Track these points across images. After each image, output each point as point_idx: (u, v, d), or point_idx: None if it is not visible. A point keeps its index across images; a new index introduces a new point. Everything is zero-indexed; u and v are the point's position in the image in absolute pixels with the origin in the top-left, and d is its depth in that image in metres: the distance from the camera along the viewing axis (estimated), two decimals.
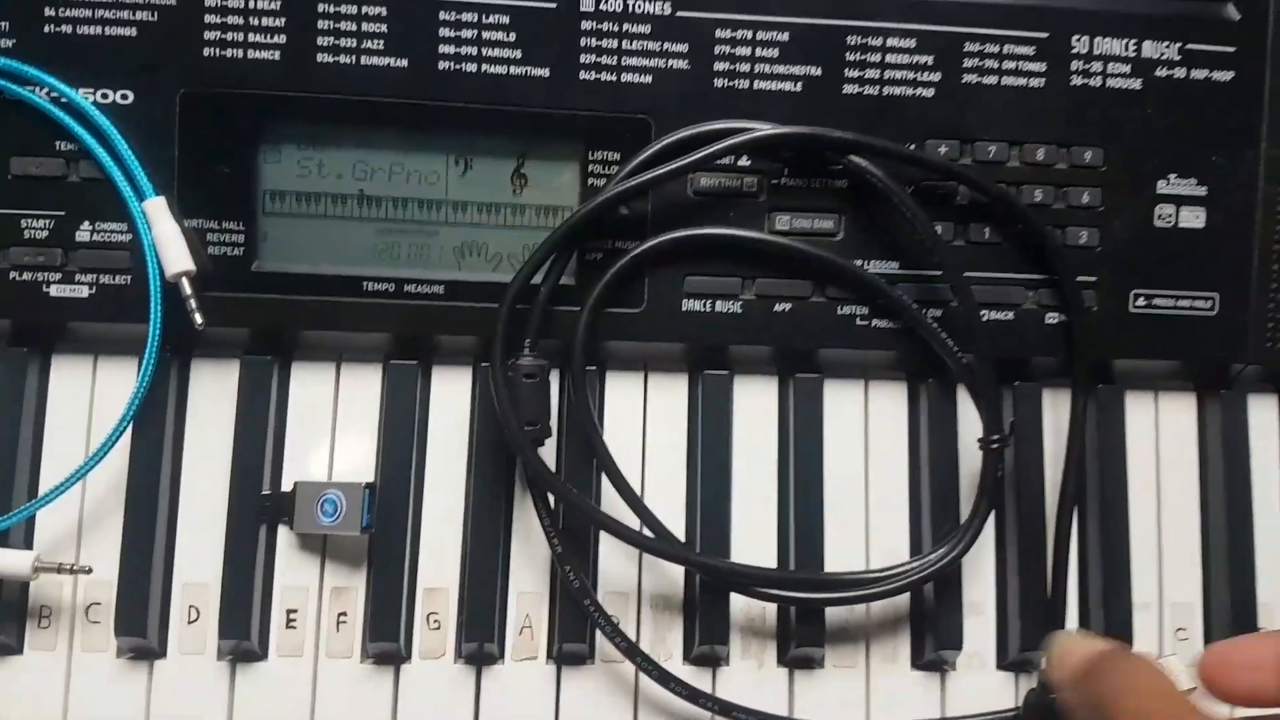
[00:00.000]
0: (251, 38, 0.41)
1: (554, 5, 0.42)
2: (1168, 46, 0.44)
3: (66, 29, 0.40)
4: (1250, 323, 0.44)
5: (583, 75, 0.42)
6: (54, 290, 0.41)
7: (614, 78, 0.42)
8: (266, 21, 0.41)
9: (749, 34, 0.43)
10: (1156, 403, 0.46)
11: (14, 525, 0.41)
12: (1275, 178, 0.44)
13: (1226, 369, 0.45)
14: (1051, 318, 0.44)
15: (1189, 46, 0.44)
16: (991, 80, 0.43)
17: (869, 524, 0.45)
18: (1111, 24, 0.43)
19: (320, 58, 0.41)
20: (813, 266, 0.43)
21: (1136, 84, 0.44)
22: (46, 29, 0.40)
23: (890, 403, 0.46)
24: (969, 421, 0.45)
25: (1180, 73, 0.44)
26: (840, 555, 0.44)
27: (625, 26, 0.42)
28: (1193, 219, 0.44)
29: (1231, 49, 0.44)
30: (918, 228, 0.42)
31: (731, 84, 0.43)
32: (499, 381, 0.41)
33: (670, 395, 0.45)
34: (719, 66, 0.43)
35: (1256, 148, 0.44)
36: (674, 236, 0.43)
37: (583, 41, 0.42)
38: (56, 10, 0.40)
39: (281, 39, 0.41)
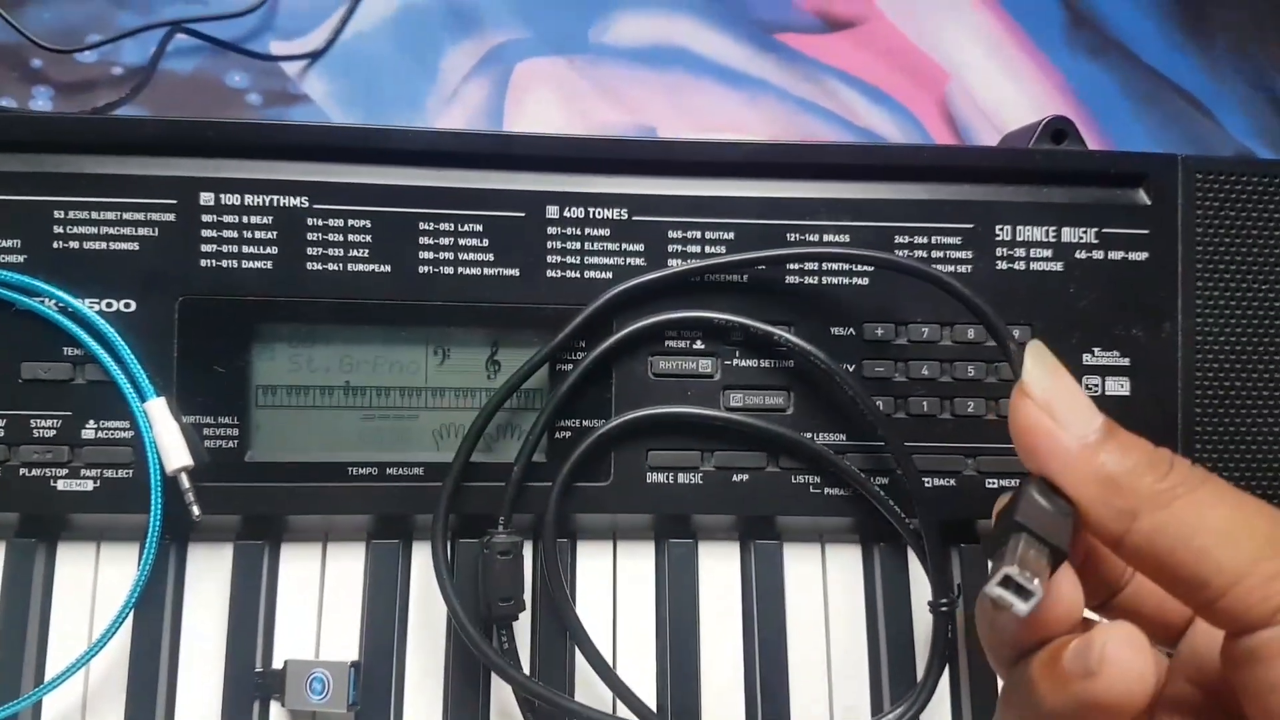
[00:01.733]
0: (245, 249, 0.45)
1: (523, 215, 0.46)
2: (1085, 231, 0.48)
3: (74, 245, 0.44)
4: None
5: (549, 274, 0.46)
6: (61, 485, 0.44)
7: (578, 274, 0.46)
8: (259, 234, 0.45)
9: (698, 234, 0.47)
10: None
11: (21, 710, 0.43)
12: (1192, 347, 0.48)
13: None
14: (991, 483, 0.47)
15: (1105, 230, 0.48)
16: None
17: (831, 684, 0.47)
18: (1032, 213, 0.47)
19: (309, 266, 0.45)
20: (766, 440, 0.47)
21: (1058, 266, 0.48)
22: (55, 245, 0.44)
23: (847, 566, 0.48)
24: (922, 583, 0.47)
25: (1098, 254, 0.48)
26: (805, 715, 0.47)
27: (586, 230, 0.46)
28: (1118, 387, 0.48)
29: (1145, 231, 0.48)
30: (859, 403, 0.46)
31: (685, 277, 0.47)
32: (441, 574, 0.44)
33: (639, 563, 0.48)
34: (672, 262, 0.47)
35: (1174, 320, 0.48)
36: (637, 416, 0.46)
37: (549, 244, 0.46)
38: (64, 228, 0.44)
39: (274, 250, 0.45)
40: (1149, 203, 0.48)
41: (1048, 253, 0.48)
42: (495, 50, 0.62)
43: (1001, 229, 0.47)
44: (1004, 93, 0.65)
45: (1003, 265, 0.47)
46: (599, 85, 0.62)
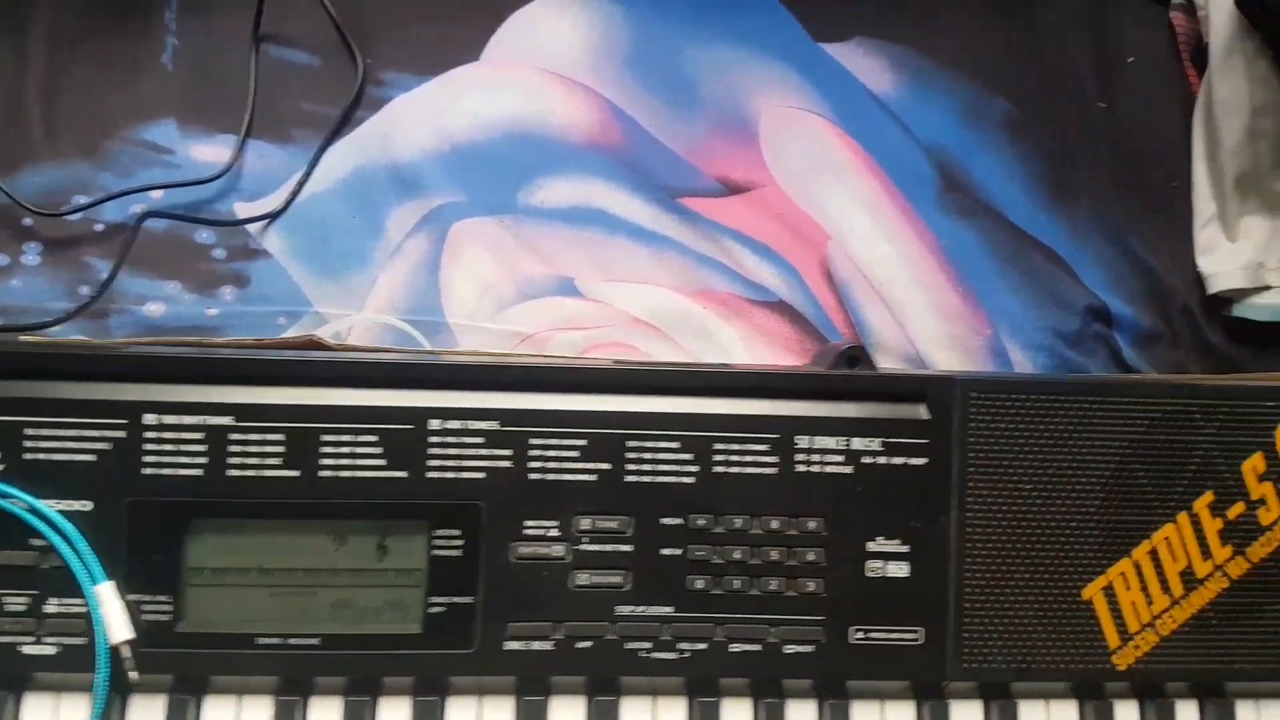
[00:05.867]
0: (181, 459, 0.55)
1: (410, 427, 0.56)
2: (871, 441, 0.58)
3: (41, 455, 0.55)
4: (950, 648, 0.58)
5: (430, 475, 0.56)
6: (27, 649, 0.54)
7: (455, 475, 0.56)
8: (191, 448, 0.55)
9: (556, 441, 0.57)
10: (882, 711, 0.59)
11: None
12: (963, 537, 0.58)
13: (938, 684, 0.58)
14: (789, 648, 0.57)
15: (890, 440, 0.58)
16: (736, 470, 0.57)
17: None
18: (827, 426, 0.58)
19: (231, 473, 0.55)
20: (607, 612, 0.57)
21: (849, 469, 0.58)
22: (25, 456, 0.54)
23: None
24: None
25: (883, 460, 0.58)
26: None
27: (462, 439, 0.57)
28: (898, 570, 0.58)
29: (925, 440, 0.58)
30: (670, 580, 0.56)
31: (544, 477, 0.57)
32: None
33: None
34: (533, 465, 0.57)
35: (948, 514, 0.58)
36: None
37: (430, 451, 0.56)
38: (34, 443, 0.55)
39: (203, 460, 0.55)
40: (928, 417, 0.58)
41: (840, 458, 0.58)
42: (435, 211, 0.72)
43: (801, 438, 0.58)
44: (881, 252, 0.74)
45: (801, 468, 0.58)
46: (525, 242, 0.72)
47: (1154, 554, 0.58)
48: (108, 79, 0.71)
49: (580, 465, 0.57)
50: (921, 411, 0.59)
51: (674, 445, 0.57)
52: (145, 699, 0.56)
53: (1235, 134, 0.72)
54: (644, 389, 0.58)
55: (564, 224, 0.73)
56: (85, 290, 0.68)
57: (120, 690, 0.56)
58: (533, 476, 0.57)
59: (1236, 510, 0.58)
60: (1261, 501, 0.58)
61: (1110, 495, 0.58)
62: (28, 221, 0.69)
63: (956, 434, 0.58)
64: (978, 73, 0.77)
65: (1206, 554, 0.58)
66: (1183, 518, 0.58)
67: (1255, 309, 0.72)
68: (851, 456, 0.58)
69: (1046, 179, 0.76)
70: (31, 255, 0.69)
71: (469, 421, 0.56)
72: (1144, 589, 0.58)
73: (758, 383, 0.58)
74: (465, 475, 0.57)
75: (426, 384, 0.57)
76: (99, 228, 0.69)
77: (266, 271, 0.70)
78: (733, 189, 0.75)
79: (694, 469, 0.57)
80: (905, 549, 0.58)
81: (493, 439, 0.57)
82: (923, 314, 0.74)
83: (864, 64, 0.77)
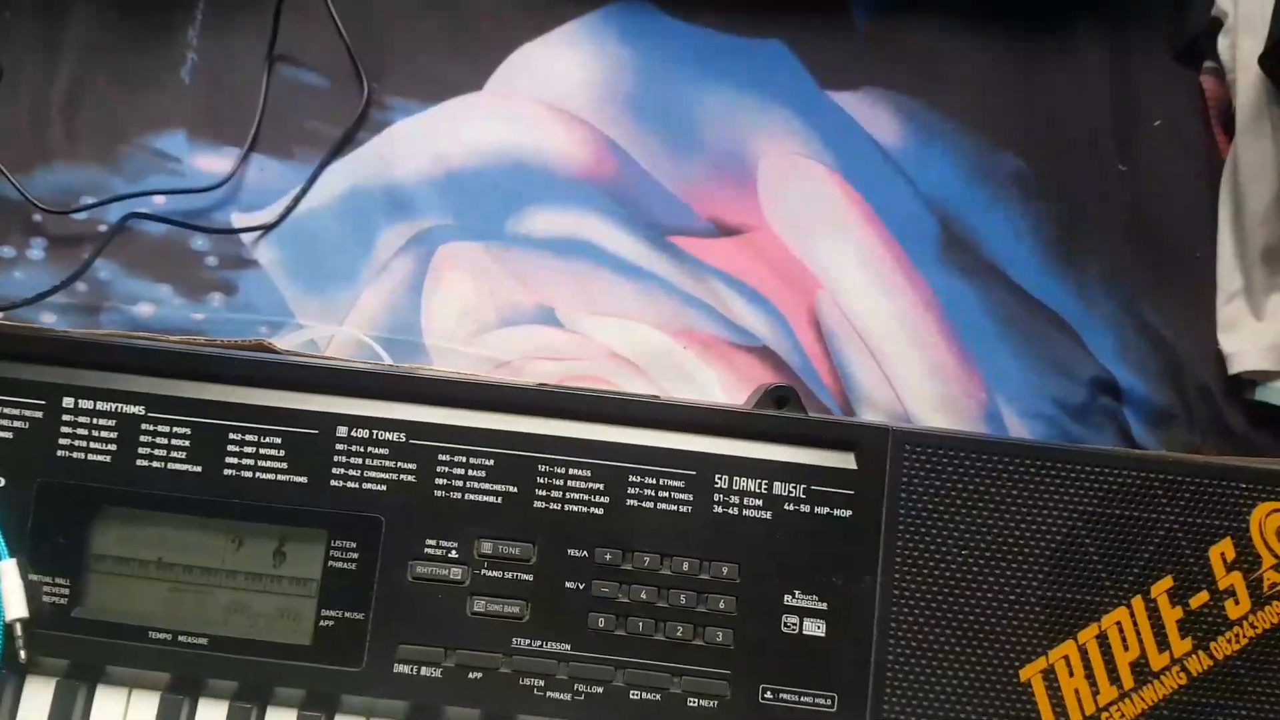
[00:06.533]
0: (92, 445, 0.55)
1: (316, 432, 0.55)
2: (795, 486, 0.54)
3: None
4: None
5: (333, 483, 0.55)
6: None
7: (357, 486, 0.55)
8: (103, 434, 0.55)
9: (464, 459, 0.55)
10: None
11: None
12: (889, 599, 0.53)
13: None
14: (692, 701, 0.53)
15: (814, 487, 0.54)
16: (649, 505, 0.54)
17: None
18: (748, 467, 0.54)
19: (139, 462, 0.55)
20: (503, 643, 0.54)
21: (768, 515, 0.54)
22: None
23: None
24: None
25: (805, 508, 0.54)
26: None
27: (369, 449, 0.55)
28: (815, 629, 0.53)
29: (851, 492, 0.54)
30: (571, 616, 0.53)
31: (448, 495, 0.55)
32: None
33: None
34: (439, 481, 0.55)
35: (874, 573, 0.53)
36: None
37: (335, 459, 0.55)
38: None
39: (113, 448, 0.55)
40: (855, 467, 0.54)
41: (759, 502, 0.54)
42: (423, 233, 0.72)
43: (720, 477, 0.54)
44: (874, 304, 0.71)
45: (718, 509, 0.54)
46: (509, 269, 0.72)
47: (1102, 639, 0.52)
48: (128, 89, 0.74)
49: (487, 485, 0.55)
50: (850, 460, 0.54)
51: (585, 473, 0.55)
52: (39, 682, 0.56)
53: (1263, 202, 0.67)
54: (560, 413, 0.55)
55: (550, 254, 0.72)
56: (82, 288, 0.70)
57: (14, 670, 0.56)
58: (437, 494, 0.55)
59: (1200, 599, 0.52)
60: (1229, 592, 0.52)
61: (1056, 570, 0.52)
62: (37, 218, 0.72)
63: (889, 488, 0.54)
64: (989, 127, 0.74)
65: (1163, 645, 0.52)
66: (1137, 602, 0.52)
67: None
68: (772, 501, 0.54)
69: (1056, 240, 0.72)
70: (37, 250, 0.71)
71: (376, 431, 0.55)
72: (1089, 677, 0.52)
73: (678, 416, 0.55)
74: (368, 486, 0.55)
75: (339, 390, 0.56)
76: (102, 228, 0.71)
77: (255, 281, 0.71)
78: (724, 230, 0.73)
79: (605, 500, 0.54)
80: (824, 606, 0.53)
81: (398, 451, 0.55)
82: (914, 371, 0.70)
83: (871, 114, 0.74)
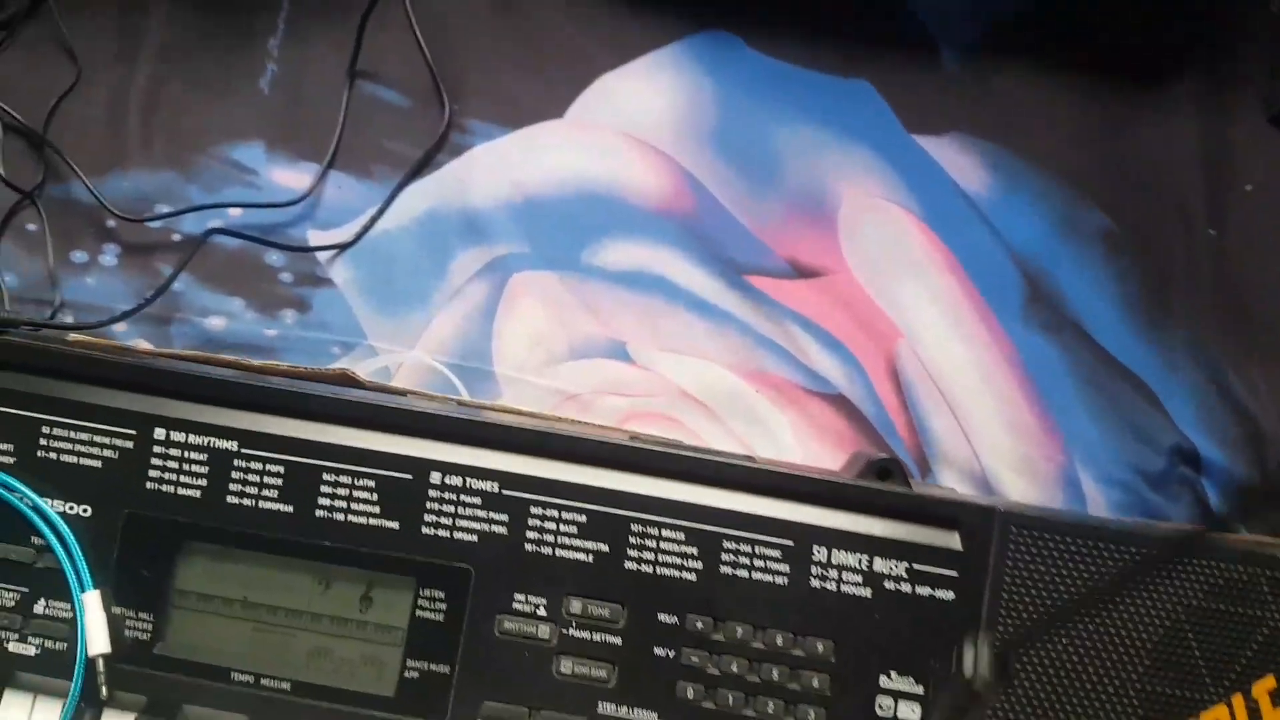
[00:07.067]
0: (182, 479, 0.55)
1: (410, 477, 0.55)
2: (896, 564, 0.53)
3: (53, 455, 0.55)
4: None
5: (424, 530, 0.54)
6: (11, 646, 0.55)
7: (448, 534, 0.54)
8: (194, 469, 0.55)
9: (556, 513, 0.54)
10: None
11: None
12: (985, 686, 0.52)
13: None
14: None
15: (915, 566, 0.53)
16: (744, 573, 0.53)
17: None
18: (848, 540, 0.53)
19: (229, 499, 0.55)
20: (588, 707, 0.53)
21: (867, 592, 0.53)
22: (39, 454, 0.55)
23: None
24: None
25: (906, 587, 0.53)
26: None
27: (461, 497, 0.54)
28: (909, 712, 0.52)
29: (954, 573, 0.53)
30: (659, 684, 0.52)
31: (539, 549, 0.54)
32: None
33: None
34: (530, 535, 0.54)
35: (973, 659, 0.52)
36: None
37: (427, 505, 0.54)
38: (48, 441, 0.55)
39: (204, 482, 0.55)
40: (960, 548, 0.53)
41: (858, 578, 0.53)
42: (498, 260, 0.72)
43: (818, 550, 0.53)
44: (955, 356, 0.70)
45: (815, 583, 0.53)
46: (582, 300, 0.71)
47: None
48: (206, 97, 0.74)
49: (578, 542, 0.54)
50: (954, 540, 0.53)
51: (679, 536, 0.54)
52: (115, 716, 0.55)
53: None
54: (656, 470, 0.54)
55: (624, 287, 0.71)
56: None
57: (93, 704, 0.55)
58: (528, 547, 0.54)
59: None
60: None
61: (1156, 663, 0.51)
62: (111, 224, 0.71)
63: (992, 571, 0.53)
64: (1076, 182, 0.72)
65: None
66: (1238, 700, 0.51)
67: None
68: (872, 578, 0.53)
69: (1141, 302, 0.70)
70: (110, 256, 0.71)
71: (470, 479, 0.54)
72: None
73: (778, 482, 0.54)
74: (459, 536, 0.54)
75: (433, 435, 0.55)
76: (176, 238, 0.71)
77: (328, 300, 0.71)
78: (802, 272, 0.72)
79: (698, 565, 0.53)
80: (919, 690, 0.52)
81: (491, 501, 0.54)
82: (993, 428, 0.68)
83: (957, 160, 0.73)
